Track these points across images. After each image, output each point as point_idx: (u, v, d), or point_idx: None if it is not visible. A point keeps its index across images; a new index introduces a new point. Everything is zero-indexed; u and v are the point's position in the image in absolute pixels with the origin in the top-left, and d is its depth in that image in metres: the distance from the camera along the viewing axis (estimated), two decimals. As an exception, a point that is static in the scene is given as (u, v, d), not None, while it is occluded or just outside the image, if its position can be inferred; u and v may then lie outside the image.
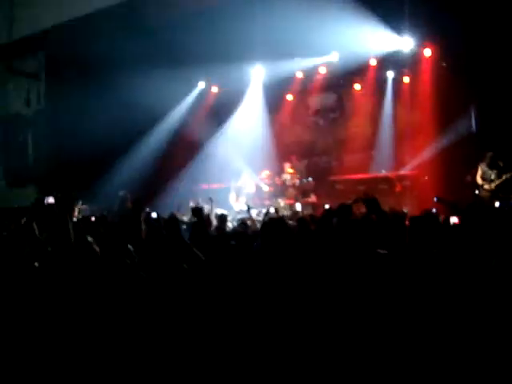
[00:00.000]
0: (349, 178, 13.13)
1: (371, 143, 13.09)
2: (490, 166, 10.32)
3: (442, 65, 12.11)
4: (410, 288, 3.87)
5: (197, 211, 6.56)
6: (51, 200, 7.61)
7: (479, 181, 10.41)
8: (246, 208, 9.40)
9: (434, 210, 8.09)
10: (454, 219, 6.73)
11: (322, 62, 13.29)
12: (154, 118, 13.92)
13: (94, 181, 12.45)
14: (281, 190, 12.80)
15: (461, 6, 10.66)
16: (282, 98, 14.34)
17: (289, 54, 13.19)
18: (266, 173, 13.08)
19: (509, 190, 10.02)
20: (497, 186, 10.21)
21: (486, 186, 10.30)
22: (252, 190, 12.60)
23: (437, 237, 5.44)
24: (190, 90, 14.60)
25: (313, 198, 12.52)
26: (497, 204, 9.19)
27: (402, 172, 12.24)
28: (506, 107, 10.81)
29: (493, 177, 10.27)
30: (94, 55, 12.17)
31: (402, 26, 11.81)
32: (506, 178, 10.13)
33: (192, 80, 14.22)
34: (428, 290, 3.83)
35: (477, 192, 10.33)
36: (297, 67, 13.56)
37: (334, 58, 13.07)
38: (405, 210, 8.16)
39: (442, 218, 7.03)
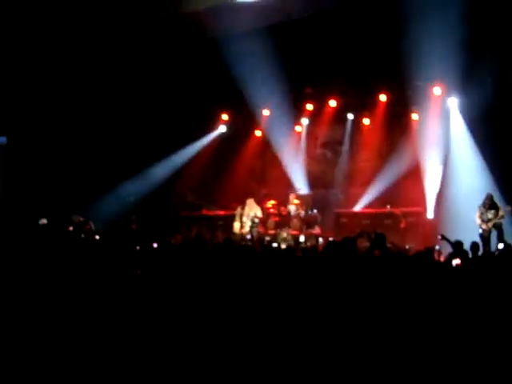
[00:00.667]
0: (354, 211, 13.15)
1: (378, 178, 13.14)
2: (488, 207, 10.42)
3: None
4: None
5: None
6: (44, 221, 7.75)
7: (478, 221, 10.46)
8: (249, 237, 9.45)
9: (437, 247, 8.12)
10: (456, 261, 6.77)
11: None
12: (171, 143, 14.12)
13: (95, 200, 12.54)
14: (286, 220, 12.82)
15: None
16: (290, 129, 14.47)
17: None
18: (271, 202, 13.12)
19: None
20: (494, 225, 10.27)
21: (484, 226, 10.35)
22: (258, 215, 12.58)
23: (437, 274, 5.47)
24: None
25: (317, 230, 12.52)
26: (500, 246, 9.21)
27: (407, 208, 12.26)
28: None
29: (490, 216, 10.37)
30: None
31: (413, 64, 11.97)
32: (500, 217, 10.25)
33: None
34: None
35: (480, 231, 10.35)
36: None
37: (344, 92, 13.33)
38: (407, 247, 8.19)
39: (443, 257, 7.08)
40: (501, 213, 10.30)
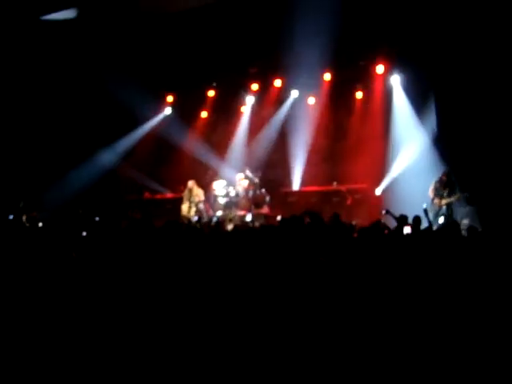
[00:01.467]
0: (301, 190, 13.23)
1: (325, 156, 13.24)
2: (444, 184, 10.57)
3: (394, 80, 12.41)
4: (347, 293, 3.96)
5: None
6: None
7: (431, 194, 10.63)
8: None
9: (382, 221, 8.25)
10: (407, 229, 6.90)
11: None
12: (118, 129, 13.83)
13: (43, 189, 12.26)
14: (234, 200, 12.79)
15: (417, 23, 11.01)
16: (236, 109, 14.40)
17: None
18: (220, 183, 13.05)
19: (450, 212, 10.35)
20: (446, 204, 10.46)
21: (436, 201, 10.53)
22: (202, 199, 12.51)
23: (384, 246, 5.57)
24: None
25: (265, 209, 12.56)
26: (441, 220, 9.45)
27: (353, 185, 12.43)
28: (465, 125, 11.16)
29: (444, 194, 10.53)
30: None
31: (358, 42, 12.05)
32: (454, 200, 10.42)
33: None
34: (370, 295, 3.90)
35: (424, 206, 10.54)
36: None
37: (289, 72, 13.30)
38: (354, 223, 8.30)
39: (391, 229, 7.20)
40: (456, 195, 10.44)
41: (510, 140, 10.62)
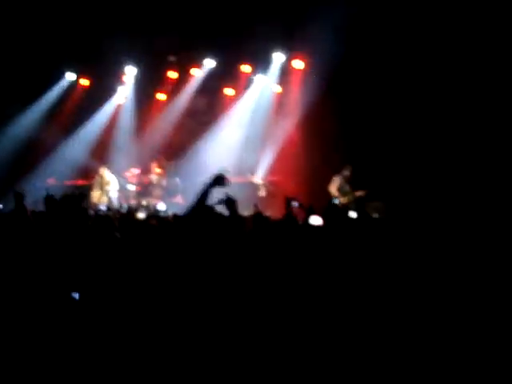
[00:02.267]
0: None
1: (241, 147, 13.26)
2: (347, 180, 10.79)
3: (312, 76, 12.54)
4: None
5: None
6: None
7: (335, 192, 10.81)
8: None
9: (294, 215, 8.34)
10: (317, 220, 6.96)
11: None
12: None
13: None
14: (148, 189, 12.56)
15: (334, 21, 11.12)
16: (153, 97, 14.13)
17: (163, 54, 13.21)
18: (133, 171, 12.78)
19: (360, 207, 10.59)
20: (350, 202, 10.66)
21: (342, 199, 10.72)
22: (115, 187, 12.20)
23: (297, 238, 5.61)
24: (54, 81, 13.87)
25: (179, 199, 12.43)
26: (354, 214, 9.67)
27: (266, 177, 12.54)
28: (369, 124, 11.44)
29: (348, 190, 10.73)
30: None
31: (276, 36, 12.09)
32: (360, 196, 10.65)
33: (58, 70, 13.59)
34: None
35: (337, 202, 10.75)
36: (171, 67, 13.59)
37: (209, 62, 13.23)
38: (267, 214, 8.34)
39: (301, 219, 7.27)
40: (360, 191, 10.66)
41: (409, 134, 10.93)
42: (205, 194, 4.64)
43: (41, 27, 11.82)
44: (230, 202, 5.23)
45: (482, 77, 10.15)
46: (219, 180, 4.80)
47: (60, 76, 13.79)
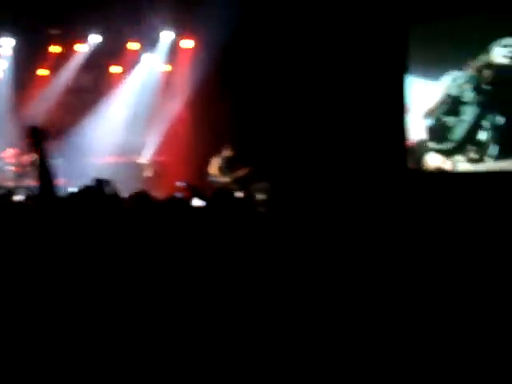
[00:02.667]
0: (97, 160, 12.83)
1: (125, 127, 12.94)
2: (227, 160, 10.84)
3: (201, 56, 12.45)
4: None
5: None
6: None
7: (215, 172, 10.80)
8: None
9: (179, 196, 8.28)
10: (197, 202, 6.94)
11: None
12: None
13: None
14: (28, 170, 11.91)
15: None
16: (34, 72, 13.39)
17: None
18: (10, 151, 12.07)
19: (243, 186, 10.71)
20: (231, 182, 10.70)
21: (222, 179, 10.73)
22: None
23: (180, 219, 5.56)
24: None
25: (61, 181, 11.89)
26: (240, 194, 9.75)
27: (153, 158, 12.36)
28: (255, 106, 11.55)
29: (227, 171, 10.78)
30: None
31: (164, 13, 11.85)
32: (242, 175, 10.71)
33: None
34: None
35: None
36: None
37: (94, 38, 12.75)
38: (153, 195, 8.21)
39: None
40: (240, 172, 10.70)
41: (296, 113, 11.19)
42: (43, 167, 4.02)
43: None
44: (101, 183, 5.02)
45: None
46: (36, 134, 3.92)
47: None
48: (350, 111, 10.76)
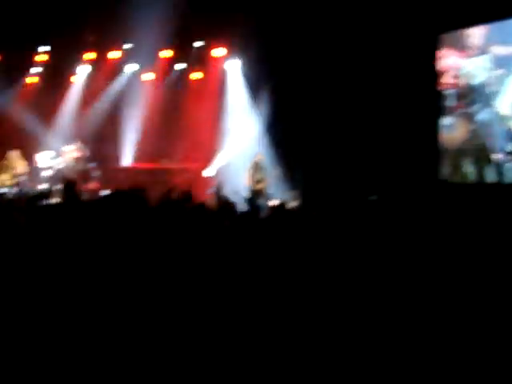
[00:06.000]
0: (130, 167, 13.00)
1: (157, 134, 13.11)
2: (257, 169, 10.93)
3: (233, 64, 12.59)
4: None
5: None
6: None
7: (249, 182, 10.90)
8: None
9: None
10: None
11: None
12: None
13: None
14: (61, 173, 12.12)
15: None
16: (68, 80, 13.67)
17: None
18: (45, 154, 12.32)
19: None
20: (262, 189, 10.75)
21: (256, 187, 10.79)
22: (24, 171, 11.74)
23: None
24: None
25: (93, 185, 12.09)
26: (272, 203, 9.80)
27: (184, 165, 12.48)
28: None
29: (258, 177, 10.88)
30: None
31: (199, 21, 12.01)
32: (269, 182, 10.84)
33: None
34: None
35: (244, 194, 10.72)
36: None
37: (127, 46, 13.05)
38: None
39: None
40: (270, 177, 10.78)
41: (340, 129, 11.18)
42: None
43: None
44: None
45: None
46: None
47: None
48: (384, 119, 10.66)
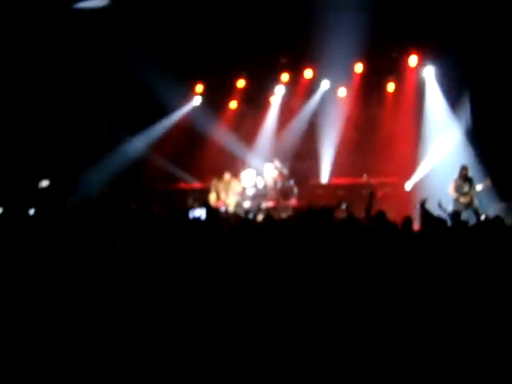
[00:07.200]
0: (329, 183, 13.14)
1: (355, 149, 13.11)
2: (464, 179, 10.41)
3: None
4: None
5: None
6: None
7: (453, 194, 10.45)
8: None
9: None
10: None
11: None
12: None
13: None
14: (262, 191, 12.66)
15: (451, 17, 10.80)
16: (266, 100, 14.31)
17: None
18: (248, 173, 12.95)
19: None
20: (472, 199, 10.29)
21: (462, 200, 10.34)
22: (237, 190, 12.43)
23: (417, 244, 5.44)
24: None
25: (293, 201, 12.44)
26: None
27: (384, 179, 12.29)
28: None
29: (466, 189, 10.35)
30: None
31: (390, 33, 11.88)
32: (478, 193, 10.31)
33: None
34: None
35: (451, 207, 10.33)
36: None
37: (319, 63, 13.24)
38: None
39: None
40: (478, 188, 10.28)
41: None
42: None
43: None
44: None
45: None
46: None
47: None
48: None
